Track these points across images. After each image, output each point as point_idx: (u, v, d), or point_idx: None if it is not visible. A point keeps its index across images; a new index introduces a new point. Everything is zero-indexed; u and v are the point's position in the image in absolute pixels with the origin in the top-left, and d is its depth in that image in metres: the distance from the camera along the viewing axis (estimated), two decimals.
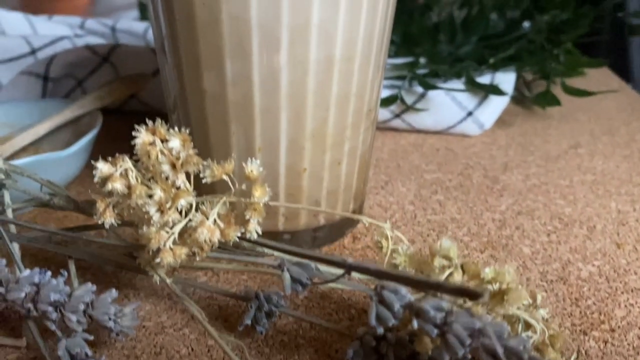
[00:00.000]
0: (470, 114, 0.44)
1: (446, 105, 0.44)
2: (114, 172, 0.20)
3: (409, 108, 0.44)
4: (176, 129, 0.21)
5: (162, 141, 0.21)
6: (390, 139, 0.45)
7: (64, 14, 1.00)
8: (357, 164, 0.29)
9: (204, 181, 0.21)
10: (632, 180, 0.38)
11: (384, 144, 0.44)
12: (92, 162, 0.20)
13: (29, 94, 0.46)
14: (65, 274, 0.21)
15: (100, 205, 0.21)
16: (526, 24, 0.63)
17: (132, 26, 0.58)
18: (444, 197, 0.36)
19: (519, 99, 0.53)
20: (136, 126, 0.21)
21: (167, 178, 0.21)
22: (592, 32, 0.57)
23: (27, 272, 0.21)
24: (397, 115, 0.45)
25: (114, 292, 0.21)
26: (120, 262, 0.24)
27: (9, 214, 0.25)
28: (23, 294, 0.20)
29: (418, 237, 0.31)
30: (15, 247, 0.24)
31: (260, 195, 0.21)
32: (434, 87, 0.42)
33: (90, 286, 0.21)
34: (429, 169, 0.40)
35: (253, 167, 0.21)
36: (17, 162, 0.29)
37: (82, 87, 0.48)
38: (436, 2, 0.71)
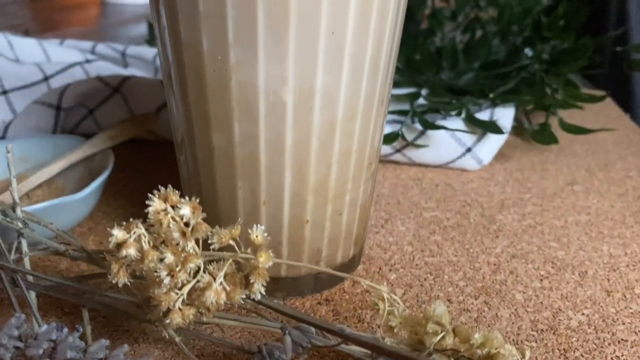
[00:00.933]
0: (469, 150, 0.46)
1: (446, 141, 0.45)
2: (128, 238, 0.21)
3: (409, 144, 0.45)
4: (187, 198, 0.22)
5: (172, 207, 0.22)
6: (391, 172, 0.46)
7: (74, 26, 1.02)
8: (358, 213, 0.31)
9: (212, 247, 0.22)
10: (625, 221, 0.40)
11: (385, 177, 0.45)
12: (108, 229, 0.22)
13: (41, 123, 0.47)
14: (81, 329, 0.23)
15: (115, 267, 0.22)
16: (528, 52, 0.65)
17: (141, 52, 0.59)
18: (441, 237, 0.37)
19: (518, 129, 0.54)
20: (150, 195, 0.22)
21: (177, 243, 0.22)
22: (593, 64, 0.59)
23: (44, 327, 0.22)
24: (398, 150, 0.46)
25: (125, 347, 0.23)
26: (131, 313, 0.25)
27: (27, 262, 0.27)
28: (41, 351, 0.21)
29: (415, 281, 0.33)
30: (32, 296, 0.26)
31: (264, 260, 0.22)
32: (435, 127, 0.44)
33: (104, 342, 0.22)
34: (428, 207, 0.41)
35: (258, 233, 0.22)
36: (33, 207, 0.30)
37: (93, 116, 0.49)
38: (439, 27, 0.73)
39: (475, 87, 0.56)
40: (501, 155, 0.49)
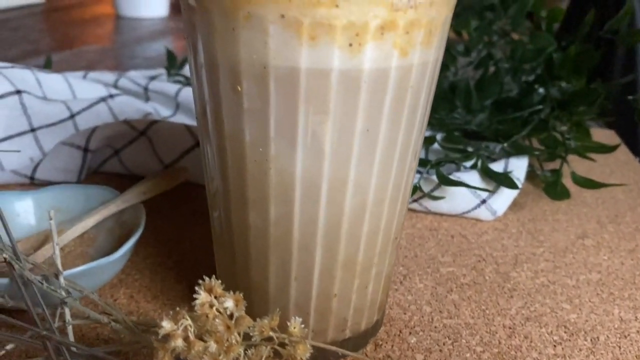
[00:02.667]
0: (484, 201, 0.47)
1: (462, 193, 0.47)
2: (175, 330, 0.23)
3: (426, 195, 0.47)
4: (231, 292, 0.24)
5: (216, 297, 0.24)
6: (407, 220, 0.48)
7: (90, 43, 1.03)
8: (382, 283, 0.32)
9: (252, 339, 0.24)
10: (635, 281, 0.41)
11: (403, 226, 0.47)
12: (157, 320, 0.23)
13: (69, 164, 0.49)
14: None
15: (161, 354, 0.24)
16: (540, 90, 0.66)
17: (164, 88, 0.61)
18: (458, 296, 0.38)
19: (530, 173, 0.55)
20: (196, 288, 0.23)
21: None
22: (604, 110, 0.60)
23: None
24: (415, 200, 0.48)
25: None
26: None
27: (70, 332, 0.28)
28: None
29: (435, 345, 0.34)
30: None
31: (302, 352, 0.23)
32: (453, 183, 0.45)
33: None
34: (445, 261, 0.42)
35: (296, 325, 0.24)
36: (72, 272, 0.32)
37: (118, 156, 0.51)
38: (453, 62, 0.74)
39: (488, 131, 0.57)
40: (514, 204, 0.51)
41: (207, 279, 0.24)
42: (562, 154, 0.52)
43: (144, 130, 0.50)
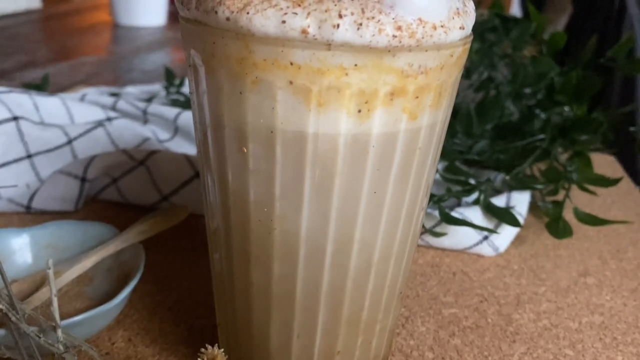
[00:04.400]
0: (486, 237, 0.47)
1: (463, 230, 0.46)
2: None
3: (428, 231, 0.46)
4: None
5: None
6: None
7: (87, 54, 1.02)
8: (386, 337, 0.32)
9: None
10: (638, 324, 0.41)
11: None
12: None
13: (67, 193, 0.48)
14: None
15: None
16: (541, 115, 0.66)
17: (163, 111, 0.60)
18: (461, 341, 0.38)
19: (531, 204, 0.55)
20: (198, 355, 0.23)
21: None
22: (605, 140, 0.60)
23: None
24: None
25: None
26: None
27: None
28: None
29: None
30: None
31: None
32: (456, 222, 0.45)
33: None
34: (447, 301, 0.42)
35: None
36: (70, 321, 0.31)
37: (116, 184, 0.50)
38: None
39: (489, 161, 0.57)
40: (516, 237, 0.50)
41: (209, 348, 0.23)
42: (565, 186, 0.52)
43: (142, 160, 0.49)
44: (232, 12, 0.22)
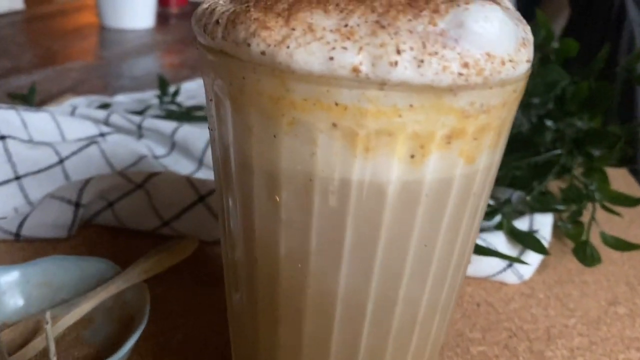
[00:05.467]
0: (510, 265, 0.44)
1: (487, 257, 0.43)
2: None
3: None
4: None
5: None
6: None
7: (74, 59, 0.98)
8: None
9: None
10: None
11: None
12: None
13: (59, 219, 0.45)
14: None
15: None
16: (551, 125, 0.63)
17: (159, 126, 0.57)
18: None
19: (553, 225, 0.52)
20: None
21: None
22: (624, 156, 0.57)
23: None
24: None
25: None
26: None
27: None
28: None
29: None
30: None
31: None
32: (482, 252, 0.42)
33: None
34: (474, 338, 0.39)
35: None
36: None
37: (112, 208, 0.47)
38: None
39: (505, 178, 0.54)
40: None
41: None
42: (588, 206, 0.49)
43: (141, 183, 0.45)
44: (269, 45, 0.19)
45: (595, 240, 0.49)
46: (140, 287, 0.34)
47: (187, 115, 0.67)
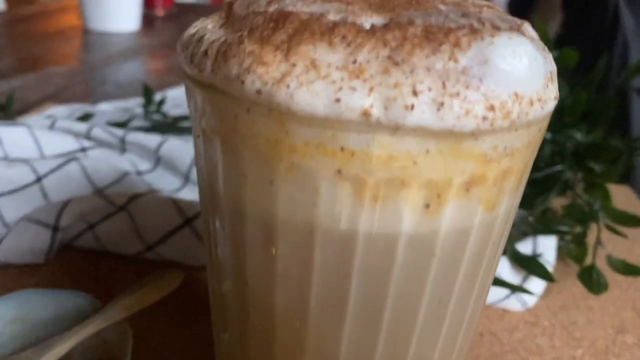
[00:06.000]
0: (514, 292, 0.42)
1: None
2: None
3: None
4: None
5: None
6: None
7: (56, 63, 0.95)
8: None
9: None
10: None
11: None
12: None
13: (36, 244, 0.42)
14: None
15: None
16: (549, 137, 0.61)
17: (143, 141, 0.54)
18: None
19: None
20: None
21: None
22: (627, 172, 0.56)
23: None
24: None
25: None
26: None
27: None
28: None
29: None
30: None
31: None
32: None
33: None
34: None
35: None
36: None
37: (93, 231, 0.44)
38: None
39: None
40: None
41: None
42: (591, 226, 0.47)
43: (123, 205, 0.43)
44: (266, 83, 0.16)
45: (598, 261, 0.47)
46: (121, 327, 0.32)
47: (173, 126, 0.64)
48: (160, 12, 1.44)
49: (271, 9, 0.18)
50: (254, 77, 0.16)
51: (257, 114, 0.17)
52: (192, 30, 0.20)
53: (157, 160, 0.54)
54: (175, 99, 0.77)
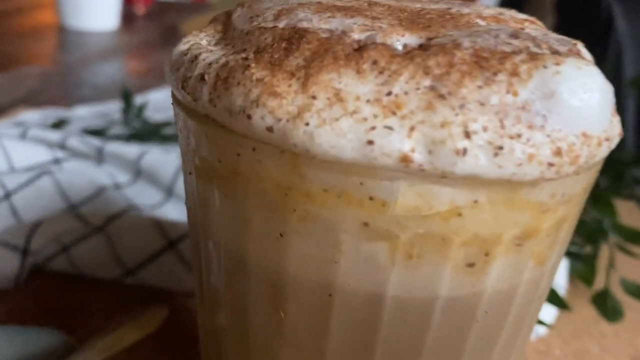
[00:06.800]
0: None
1: None
2: None
3: None
4: None
5: None
6: None
7: (31, 62, 0.90)
8: None
9: None
10: None
11: None
12: None
13: (4, 269, 0.38)
14: None
15: None
16: None
17: (123, 151, 0.50)
18: None
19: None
20: None
21: None
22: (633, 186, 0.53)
23: None
24: None
25: None
26: None
27: None
28: None
29: None
30: None
31: None
32: None
33: None
34: None
35: None
36: None
37: (67, 253, 0.40)
38: None
39: None
40: None
41: None
42: (601, 246, 0.44)
43: (101, 226, 0.39)
44: (279, 120, 0.13)
45: (611, 283, 0.45)
46: None
47: (155, 133, 0.61)
48: (140, 10, 1.40)
49: (281, 24, 0.15)
50: (263, 112, 0.13)
51: (266, 154, 0.14)
52: (183, 46, 0.16)
53: (138, 172, 0.51)
54: (158, 103, 0.73)
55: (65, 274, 0.41)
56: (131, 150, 0.51)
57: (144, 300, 0.39)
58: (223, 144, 0.15)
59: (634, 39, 1.00)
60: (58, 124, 0.60)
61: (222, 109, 0.14)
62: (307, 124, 0.13)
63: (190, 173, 0.17)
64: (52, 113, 0.67)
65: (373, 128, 0.13)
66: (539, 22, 0.18)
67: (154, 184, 0.51)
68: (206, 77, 0.14)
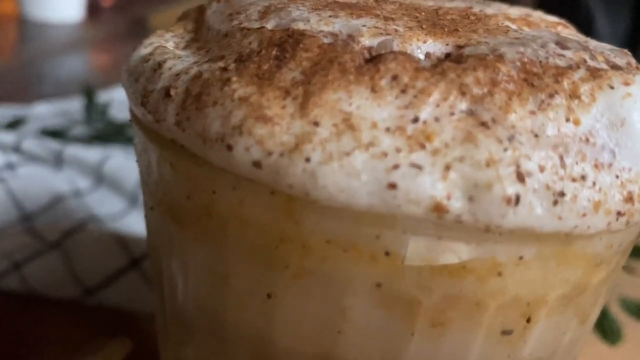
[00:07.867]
0: None
1: None
2: None
3: None
4: None
5: None
6: None
7: None
8: None
9: None
10: None
11: None
12: None
13: None
14: None
15: None
16: None
17: (84, 155, 0.46)
18: None
19: None
20: None
21: None
22: None
23: None
24: None
25: None
26: None
27: None
28: None
29: None
30: None
31: None
32: None
33: None
34: None
35: None
36: None
37: (19, 271, 0.36)
38: None
39: None
40: None
41: None
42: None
43: (56, 243, 0.35)
44: (270, 153, 0.10)
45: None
46: None
47: (119, 134, 0.57)
48: (106, 1, 1.34)
49: (270, 24, 0.11)
50: (249, 142, 0.10)
51: (251, 194, 0.11)
52: (144, 50, 0.13)
53: (100, 178, 0.47)
54: (123, 101, 0.69)
55: (17, 294, 0.38)
56: (93, 154, 0.47)
57: (104, 324, 0.36)
58: (194, 178, 0.11)
59: (613, 38, 0.99)
60: (13, 124, 0.55)
61: (194, 135, 0.11)
62: (307, 160, 0.10)
63: (151, 208, 0.14)
64: (8, 111, 0.62)
65: (396, 167, 0.09)
66: (571, 26, 0.15)
67: (117, 191, 0.47)
68: (172, 92, 0.11)
